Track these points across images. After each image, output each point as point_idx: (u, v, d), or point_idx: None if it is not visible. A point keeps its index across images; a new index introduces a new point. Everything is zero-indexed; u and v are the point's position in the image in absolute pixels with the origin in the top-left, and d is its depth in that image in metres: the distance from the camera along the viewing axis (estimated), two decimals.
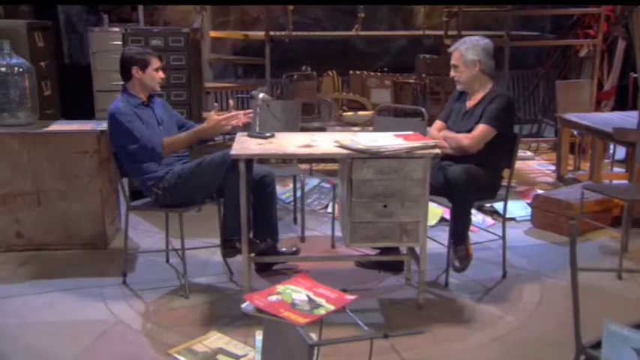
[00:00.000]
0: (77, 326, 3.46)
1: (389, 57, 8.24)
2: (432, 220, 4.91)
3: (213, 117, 3.73)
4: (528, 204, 5.21)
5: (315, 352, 2.54)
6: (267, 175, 3.92)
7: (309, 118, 6.56)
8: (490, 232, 4.47)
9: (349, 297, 2.64)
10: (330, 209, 5.21)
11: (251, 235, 3.79)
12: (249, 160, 3.55)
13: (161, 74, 3.93)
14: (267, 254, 3.96)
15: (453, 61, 3.92)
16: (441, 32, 6.95)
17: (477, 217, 5.00)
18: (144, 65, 3.84)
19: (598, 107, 7.04)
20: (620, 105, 7.06)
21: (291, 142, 3.70)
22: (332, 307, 2.56)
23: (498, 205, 4.81)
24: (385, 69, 7.50)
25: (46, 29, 5.91)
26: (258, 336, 2.87)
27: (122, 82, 3.91)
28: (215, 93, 7.89)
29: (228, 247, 3.72)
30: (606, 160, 6.51)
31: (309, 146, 3.61)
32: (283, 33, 6.87)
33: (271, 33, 6.62)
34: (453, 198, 3.73)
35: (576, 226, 2.05)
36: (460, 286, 3.95)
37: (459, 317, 3.58)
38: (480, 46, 3.86)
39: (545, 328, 3.43)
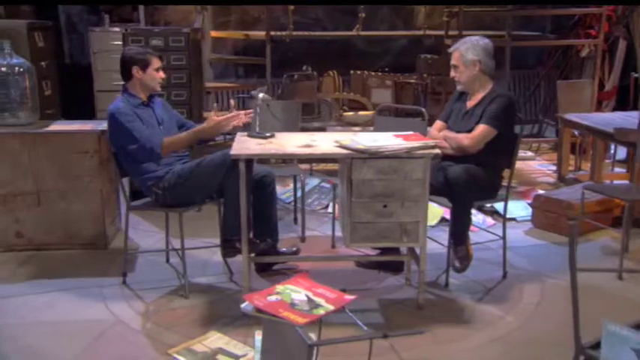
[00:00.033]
0: (77, 326, 3.45)
1: (390, 57, 8.24)
2: (433, 220, 4.91)
3: (212, 118, 3.73)
4: (529, 204, 5.21)
5: (315, 352, 2.54)
6: (267, 175, 3.92)
7: (309, 118, 6.55)
8: (490, 233, 4.47)
9: (349, 297, 2.64)
10: (330, 209, 5.21)
11: (251, 235, 3.78)
12: (249, 160, 3.55)
13: (161, 74, 3.93)
14: (267, 254, 3.96)
15: (453, 61, 3.92)
16: (442, 32, 6.95)
17: (477, 217, 5.00)
18: (144, 65, 3.84)
19: (599, 107, 7.04)
20: (622, 105, 7.05)
21: (291, 142, 3.70)
22: (331, 307, 2.56)
23: (499, 206, 4.81)
24: (386, 69, 7.49)
25: (46, 29, 5.91)
26: (258, 336, 2.87)
27: (122, 82, 3.91)
28: (216, 93, 7.89)
29: (228, 247, 3.72)
30: (607, 161, 6.50)
31: (309, 146, 3.60)
32: (284, 33, 6.87)
33: (272, 33, 6.62)
34: (453, 198, 3.73)
35: (575, 227, 2.05)
36: (460, 286, 3.94)
37: (459, 317, 3.58)
38: (480, 46, 3.86)
39: (546, 328, 3.43)
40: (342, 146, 3.48)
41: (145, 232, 4.83)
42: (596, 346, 2.12)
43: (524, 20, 8.05)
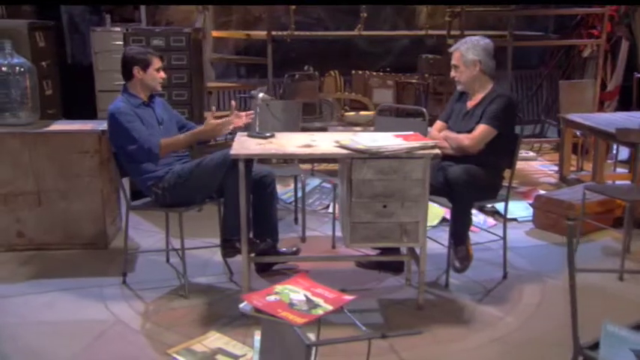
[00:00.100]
0: (77, 326, 3.46)
1: (391, 57, 8.24)
2: (434, 220, 4.90)
3: (211, 121, 3.73)
4: (530, 204, 5.19)
5: (314, 352, 2.54)
6: (268, 175, 3.91)
7: (310, 118, 6.55)
8: (491, 233, 4.46)
9: (347, 297, 2.64)
10: (331, 209, 5.21)
11: (251, 235, 3.78)
12: (249, 160, 3.54)
13: (162, 74, 3.93)
14: (267, 254, 3.96)
15: (453, 61, 3.91)
16: (444, 32, 6.94)
17: (478, 217, 4.99)
18: (145, 65, 3.84)
19: (601, 108, 7.02)
20: (624, 105, 7.03)
21: (291, 142, 3.70)
22: (330, 308, 2.56)
23: (500, 206, 4.80)
24: (388, 69, 7.49)
25: (47, 29, 5.91)
26: (257, 336, 2.87)
27: (123, 82, 3.91)
28: (217, 93, 7.90)
29: (228, 247, 3.72)
30: (609, 161, 6.49)
31: (309, 146, 3.60)
32: (285, 33, 6.87)
33: (273, 33, 6.62)
34: (453, 198, 3.72)
35: (574, 227, 2.04)
36: (460, 286, 3.94)
37: (459, 318, 3.57)
38: (480, 47, 3.85)
39: (545, 329, 3.42)
40: (342, 146, 3.48)
41: (145, 232, 4.83)
42: (595, 346, 2.11)
43: (527, 20, 8.04)
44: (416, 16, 8.32)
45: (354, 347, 2.88)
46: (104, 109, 5.48)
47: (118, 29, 6.61)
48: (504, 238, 4.01)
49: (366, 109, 6.87)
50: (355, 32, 7.20)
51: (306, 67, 6.89)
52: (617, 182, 5.76)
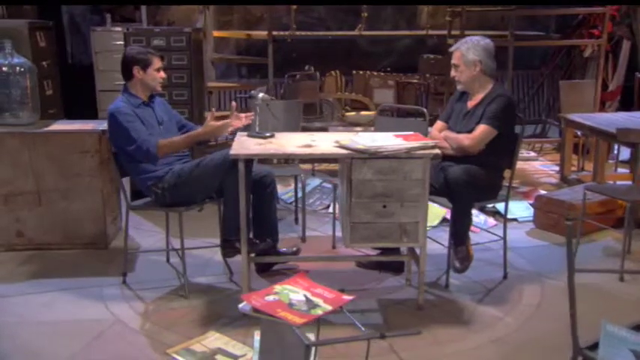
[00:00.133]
0: (76, 325, 3.45)
1: (392, 57, 8.24)
2: (434, 220, 4.89)
3: (210, 122, 3.73)
4: (531, 205, 5.19)
5: (313, 352, 2.53)
6: (268, 175, 3.91)
7: (311, 118, 6.56)
8: (491, 233, 4.46)
9: (347, 297, 2.64)
10: (331, 209, 5.20)
11: (251, 235, 3.78)
12: (249, 160, 3.54)
13: (162, 74, 3.93)
14: (267, 254, 3.96)
15: (453, 61, 3.91)
16: (445, 32, 6.94)
17: (478, 217, 4.99)
18: (145, 65, 3.84)
19: (603, 108, 7.01)
20: (625, 106, 7.02)
21: (290, 142, 3.69)
22: (329, 308, 2.56)
23: (500, 206, 4.79)
24: (388, 69, 7.49)
25: (47, 29, 5.91)
26: (257, 336, 2.86)
27: (123, 82, 3.91)
28: (218, 93, 7.90)
29: (228, 247, 3.72)
30: (611, 161, 6.48)
31: (308, 146, 3.60)
32: (286, 33, 6.87)
33: (274, 33, 6.61)
34: (453, 198, 3.72)
35: (573, 227, 2.03)
36: (460, 287, 3.93)
37: (459, 318, 3.56)
38: (481, 46, 3.84)
39: (545, 329, 3.41)
40: (341, 146, 3.48)
41: (146, 232, 4.82)
42: (594, 346, 2.11)
43: (528, 20, 8.03)
44: (417, 16, 8.32)
45: (353, 347, 2.88)
46: (105, 109, 5.47)
47: (118, 29, 6.62)
48: (504, 238, 4.00)
49: (366, 109, 6.87)
50: (356, 32, 7.21)
51: (306, 67, 6.89)
52: (619, 182, 5.74)
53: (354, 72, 7.27)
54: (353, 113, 6.78)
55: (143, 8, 7.14)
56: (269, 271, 4.11)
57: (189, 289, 3.80)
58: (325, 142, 3.67)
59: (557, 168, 6.57)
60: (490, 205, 5.02)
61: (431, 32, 7.40)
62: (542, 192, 5.52)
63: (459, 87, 3.98)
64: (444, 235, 4.16)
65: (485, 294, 3.85)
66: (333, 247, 4.53)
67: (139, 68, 3.82)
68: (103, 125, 4.36)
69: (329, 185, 5.61)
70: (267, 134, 3.83)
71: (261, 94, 3.90)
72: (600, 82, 6.80)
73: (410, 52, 8.06)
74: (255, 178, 3.78)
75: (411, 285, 3.93)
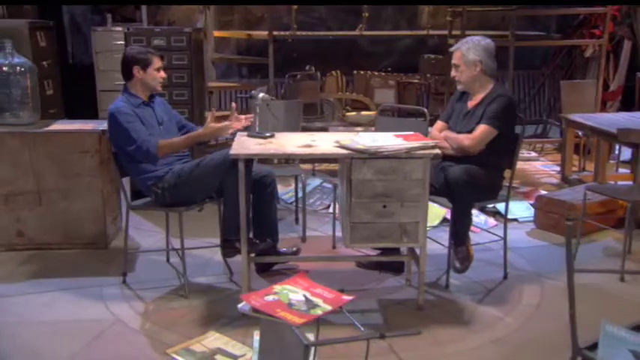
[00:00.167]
0: (76, 325, 3.45)
1: (393, 57, 8.24)
2: (435, 220, 4.89)
3: (210, 124, 3.73)
4: (531, 205, 5.18)
5: (313, 352, 2.53)
6: (268, 175, 3.91)
7: (312, 118, 6.55)
8: (492, 233, 4.45)
9: (346, 297, 2.63)
10: (331, 209, 5.20)
11: (251, 235, 3.78)
12: (249, 160, 3.54)
13: (162, 74, 3.92)
14: (267, 254, 3.95)
15: (454, 61, 3.90)
16: (446, 32, 6.93)
17: (479, 218, 4.98)
18: (145, 65, 3.84)
19: (604, 108, 7.00)
20: (626, 106, 7.01)
21: (290, 142, 3.69)
22: (329, 308, 2.55)
23: (501, 206, 4.78)
24: (389, 69, 7.49)
25: (48, 29, 5.91)
26: (256, 336, 2.86)
27: (124, 82, 3.91)
28: (219, 92, 7.90)
29: (228, 247, 3.71)
30: (612, 161, 6.48)
31: (308, 146, 3.59)
32: (287, 33, 6.86)
33: (275, 33, 6.61)
34: (453, 198, 3.71)
35: (573, 227, 2.03)
36: (461, 287, 3.93)
37: (459, 318, 3.56)
38: (481, 46, 3.83)
39: (545, 329, 3.41)
40: (341, 146, 3.47)
41: (146, 232, 4.82)
42: (594, 347, 2.11)
43: (529, 20, 8.03)
44: (418, 16, 8.32)
45: (353, 347, 2.87)
46: (105, 109, 5.49)
47: (119, 29, 6.62)
48: (505, 238, 4.00)
49: (367, 109, 6.87)
50: (357, 32, 7.20)
51: (307, 67, 6.89)
52: (620, 183, 5.73)
53: (355, 72, 7.27)
54: (354, 113, 6.78)
55: (144, 8, 7.14)
56: (269, 271, 4.10)
57: (189, 289, 3.79)
58: (325, 142, 3.67)
59: (558, 168, 6.57)
60: (490, 206, 5.02)
61: (432, 32, 7.40)
62: (543, 192, 5.51)
63: (460, 87, 3.97)
64: (444, 236, 4.16)
65: (485, 294, 3.85)
66: (334, 247, 4.53)
67: (138, 68, 3.82)
68: (103, 125, 4.36)
69: (329, 185, 5.61)
70: (267, 134, 3.83)
71: (261, 94, 3.90)
72: (601, 82, 6.79)
73: (411, 52, 8.06)
74: (255, 178, 3.78)
75: (411, 285, 3.93)
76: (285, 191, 5.70)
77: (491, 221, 5.06)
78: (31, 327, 3.44)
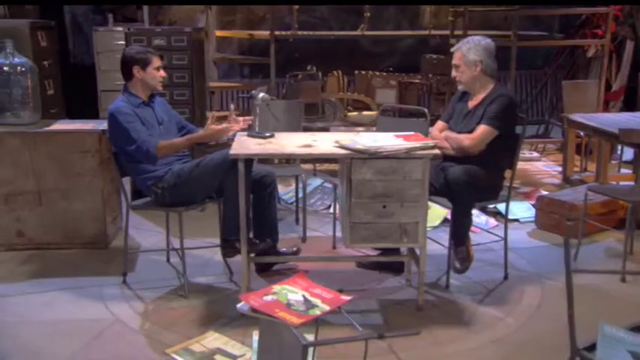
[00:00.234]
0: (76, 325, 3.45)
1: (395, 57, 8.23)
2: (435, 220, 4.88)
3: (211, 126, 3.73)
4: (532, 205, 5.17)
5: (312, 352, 2.53)
6: (268, 175, 3.90)
7: (313, 118, 6.55)
8: (492, 234, 4.44)
9: (345, 297, 2.62)
10: (332, 209, 5.19)
11: (251, 235, 3.77)
12: (249, 160, 3.53)
13: (162, 73, 3.92)
14: (267, 254, 3.95)
15: (454, 61, 3.89)
16: (448, 32, 6.92)
17: (480, 218, 4.98)
18: (145, 64, 3.84)
19: (606, 108, 6.98)
20: (629, 106, 6.99)
21: (290, 142, 3.69)
22: (327, 308, 2.54)
23: (502, 207, 4.77)
24: (391, 69, 7.48)
25: (49, 29, 5.91)
26: (256, 336, 2.86)
27: (124, 82, 3.91)
28: (220, 92, 7.90)
29: (228, 247, 3.71)
30: (614, 162, 6.46)
31: (308, 146, 3.59)
32: (288, 33, 6.86)
33: (276, 33, 6.61)
34: (453, 199, 3.71)
35: (572, 228, 2.02)
36: (461, 287, 3.92)
37: (459, 319, 3.55)
38: (481, 46, 3.83)
39: (545, 330, 3.40)
40: (341, 146, 3.47)
41: (147, 232, 4.82)
42: (592, 347, 2.10)
43: (531, 20, 8.02)
44: (419, 16, 8.32)
45: (352, 347, 2.87)
46: (106, 109, 5.50)
47: (120, 29, 6.62)
48: (505, 238, 3.99)
49: (369, 109, 6.86)
50: (359, 32, 7.20)
51: (309, 67, 6.88)
52: (621, 183, 5.72)
53: (357, 72, 7.27)
54: (355, 113, 6.77)
55: (145, 8, 7.14)
56: (269, 271, 4.10)
57: (188, 289, 3.79)
58: (325, 142, 3.67)
59: (559, 168, 6.55)
60: (491, 206, 5.00)
61: (433, 32, 7.40)
62: (544, 192, 5.50)
63: (460, 87, 3.97)
64: (445, 236, 4.14)
65: (485, 294, 3.84)
66: (334, 247, 4.52)
67: (138, 68, 3.82)
68: (103, 125, 4.36)
69: (330, 185, 5.60)
70: (267, 134, 3.82)
71: (261, 94, 3.90)
72: (604, 82, 6.77)
73: (412, 52, 8.05)
74: (256, 178, 3.78)
75: (411, 285, 3.92)
76: (285, 191, 5.69)
77: (492, 221, 5.05)
78: (31, 327, 3.44)
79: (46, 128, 4.49)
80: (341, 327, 3.17)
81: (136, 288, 3.89)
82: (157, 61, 3.86)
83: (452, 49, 3.99)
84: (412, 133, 3.68)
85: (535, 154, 7.35)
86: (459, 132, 3.87)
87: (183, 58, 5.34)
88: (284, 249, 4.13)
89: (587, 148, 6.66)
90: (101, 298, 3.75)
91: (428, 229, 3.58)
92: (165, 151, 3.74)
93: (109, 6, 7.34)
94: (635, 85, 6.95)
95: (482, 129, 3.73)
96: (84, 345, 3.25)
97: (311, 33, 7.40)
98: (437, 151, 3.46)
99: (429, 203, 3.61)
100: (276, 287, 2.67)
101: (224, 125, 3.75)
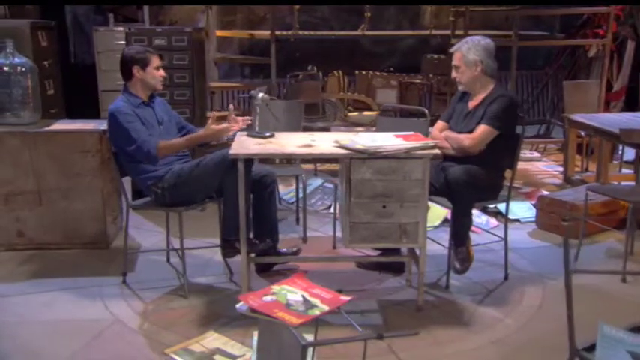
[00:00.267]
0: (75, 325, 3.45)
1: (396, 57, 8.23)
2: (436, 221, 4.88)
3: (211, 126, 3.73)
4: (533, 205, 5.16)
5: (311, 352, 2.52)
6: (268, 175, 3.90)
7: (314, 118, 6.55)
8: (493, 234, 4.44)
9: (344, 297, 2.62)
10: (332, 210, 5.19)
11: (251, 236, 3.77)
12: (249, 160, 3.53)
13: (162, 72, 3.92)
14: (267, 254, 3.94)
15: (454, 62, 3.89)
16: (448, 32, 6.92)
17: (481, 218, 4.97)
18: (144, 64, 3.84)
19: (607, 108, 6.97)
20: (630, 106, 6.98)
21: (290, 142, 3.68)
22: (327, 308, 2.54)
23: (502, 207, 4.77)
24: (392, 69, 7.48)
25: (49, 29, 5.91)
26: (255, 336, 2.85)
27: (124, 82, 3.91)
28: (221, 92, 7.89)
29: (228, 247, 3.71)
30: (615, 162, 6.45)
31: (308, 146, 3.59)
32: (289, 33, 6.86)
33: (277, 33, 6.61)
34: (453, 199, 3.70)
35: (575, 228, 2.02)
36: (461, 287, 3.91)
37: (459, 319, 3.55)
38: (481, 47, 3.82)
39: (545, 330, 3.39)
40: (341, 146, 3.46)
41: (147, 232, 4.82)
42: (591, 348, 2.10)
43: (532, 20, 8.01)
44: (420, 16, 8.31)
45: (352, 347, 2.87)
46: (107, 109, 5.50)
47: (120, 29, 6.62)
48: (505, 238, 3.98)
49: (369, 109, 6.86)
50: (359, 32, 7.19)
51: (309, 67, 6.88)
52: (622, 183, 5.71)
53: (357, 72, 7.26)
54: (356, 113, 6.77)
55: (145, 8, 7.14)
56: (269, 272, 4.10)
57: (188, 289, 3.79)
58: (325, 142, 3.66)
59: (560, 169, 6.54)
60: (492, 206, 5.00)
61: (434, 32, 7.39)
62: (545, 193, 5.49)
63: (461, 87, 3.96)
64: (445, 236, 4.14)
65: (485, 295, 3.83)
66: (334, 247, 4.52)
67: (138, 67, 3.82)
68: (103, 125, 4.36)
69: (331, 185, 5.60)
70: (267, 134, 3.82)
71: (260, 94, 3.90)
72: (605, 82, 6.76)
73: (413, 52, 8.05)
74: (255, 178, 3.78)
75: (411, 286, 3.91)
76: (286, 191, 5.69)
77: (493, 222, 5.04)
78: (31, 327, 3.44)
79: (47, 128, 4.50)
80: (340, 327, 3.16)
81: (136, 288, 3.89)
82: (156, 61, 3.86)
83: (451, 50, 3.98)
84: (412, 133, 3.67)
85: (536, 155, 7.34)
86: (459, 132, 3.86)
87: (184, 58, 5.33)
88: (284, 249, 4.12)
89: (588, 148, 6.65)
90: (101, 298, 3.75)
91: (428, 229, 3.58)
92: (165, 152, 3.74)
93: (109, 6, 7.33)
94: (636, 86, 6.94)
95: (482, 129, 3.73)
96: (84, 345, 3.25)
97: (312, 33, 7.39)
98: (437, 151, 3.46)
99: (429, 203, 3.60)
100: (276, 287, 2.67)
101: (224, 125, 3.75)
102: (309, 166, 6.16)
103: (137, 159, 3.73)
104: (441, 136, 3.92)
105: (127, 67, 3.84)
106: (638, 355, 1.91)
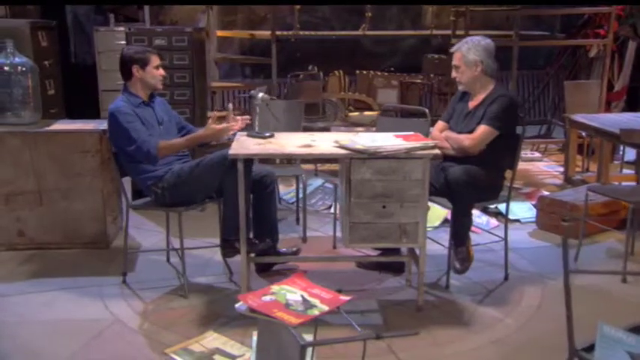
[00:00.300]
0: (75, 325, 3.45)
1: (396, 57, 8.22)
2: (436, 221, 4.88)
3: (211, 126, 3.73)
4: (533, 205, 5.16)
5: (311, 352, 2.52)
6: (268, 175, 3.90)
7: (314, 118, 6.54)
8: (493, 234, 4.43)
9: (344, 298, 2.62)
10: (333, 210, 5.18)
11: (251, 236, 3.77)
12: (248, 160, 3.53)
13: (162, 71, 3.92)
14: (267, 254, 3.94)
15: (454, 62, 3.88)
16: (449, 32, 6.91)
17: (481, 218, 4.97)
18: (144, 63, 3.84)
19: (608, 108, 6.96)
20: (631, 106, 6.98)
21: (290, 142, 3.68)
22: (326, 308, 2.54)
23: (503, 207, 4.76)
24: (392, 69, 7.47)
25: (49, 29, 5.91)
26: (255, 336, 2.85)
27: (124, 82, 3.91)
28: (221, 92, 7.89)
29: (228, 247, 3.71)
30: (616, 162, 6.44)
31: (308, 146, 3.59)
32: (290, 32, 6.85)
33: (277, 33, 6.60)
34: (453, 199, 3.70)
35: (575, 228, 2.02)
36: (461, 287, 3.91)
37: (459, 319, 3.54)
38: (481, 47, 3.81)
39: (545, 330, 3.39)
40: (340, 146, 3.46)
41: (148, 232, 4.82)
42: (591, 348, 2.09)
43: (533, 20, 8.00)
44: (421, 16, 8.31)
45: (351, 348, 2.86)
46: (107, 109, 5.50)
47: (121, 29, 6.62)
48: (505, 239, 3.98)
49: (370, 109, 6.85)
50: (360, 32, 7.19)
51: (310, 67, 6.88)
52: (623, 183, 5.70)
53: (358, 72, 7.26)
54: (356, 113, 6.77)
55: (146, 8, 7.14)
56: (269, 272, 4.10)
57: (188, 288, 3.79)
58: (325, 142, 3.66)
59: (561, 169, 6.53)
60: (493, 206, 4.99)
61: (435, 32, 7.39)
62: (546, 193, 5.49)
63: (461, 88, 3.96)
64: (445, 236, 4.13)
65: (485, 295, 3.83)
66: (334, 247, 4.51)
67: (137, 67, 3.82)
68: (103, 125, 4.36)
69: (331, 185, 5.60)
70: (267, 134, 3.82)
71: (260, 94, 3.90)
72: (606, 82, 6.75)
73: (414, 52, 8.04)
74: (255, 177, 3.78)
75: (411, 286, 3.91)
76: (286, 191, 5.69)
77: (493, 222, 5.03)
78: (31, 327, 3.44)
79: (47, 128, 4.50)
80: (340, 327, 3.15)
81: (136, 288, 3.89)
82: (155, 60, 3.86)
83: (451, 50, 3.98)
84: (412, 133, 3.67)
85: (537, 155, 7.33)
86: (460, 132, 3.86)
87: (184, 58, 5.33)
88: (284, 249, 4.12)
89: (589, 148, 6.65)
90: (101, 298, 3.75)
91: (428, 229, 3.57)
92: (165, 152, 3.74)
93: (110, 6, 7.33)
94: (637, 86, 6.94)
95: (482, 129, 3.73)
96: (83, 345, 3.25)
97: (312, 33, 7.39)
98: (437, 151, 3.45)
99: (429, 203, 3.60)
100: (275, 287, 2.66)
101: (224, 125, 3.75)
102: (310, 166, 6.16)
103: (137, 159, 3.73)
104: (441, 136, 3.92)
105: (126, 66, 3.84)
106: (637, 355, 1.91)
